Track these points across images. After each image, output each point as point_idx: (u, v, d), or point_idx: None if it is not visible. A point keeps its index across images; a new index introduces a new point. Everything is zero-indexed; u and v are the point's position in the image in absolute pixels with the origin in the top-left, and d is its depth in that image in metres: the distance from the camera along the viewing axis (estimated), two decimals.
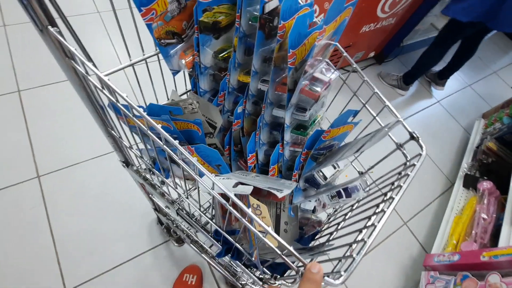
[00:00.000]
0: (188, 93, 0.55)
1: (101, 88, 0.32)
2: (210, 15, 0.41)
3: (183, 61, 0.45)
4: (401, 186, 0.34)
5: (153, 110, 0.46)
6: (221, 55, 0.45)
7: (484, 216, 1.32)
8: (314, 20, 0.42)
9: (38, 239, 1.06)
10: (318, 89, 0.41)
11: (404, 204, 1.54)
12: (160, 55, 0.45)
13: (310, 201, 0.44)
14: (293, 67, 0.39)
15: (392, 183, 0.38)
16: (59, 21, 0.30)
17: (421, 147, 0.38)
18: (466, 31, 1.53)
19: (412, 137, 0.39)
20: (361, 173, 0.52)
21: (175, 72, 0.49)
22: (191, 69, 0.47)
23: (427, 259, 1.26)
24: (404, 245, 1.43)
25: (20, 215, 1.09)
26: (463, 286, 1.05)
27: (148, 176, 0.54)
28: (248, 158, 0.50)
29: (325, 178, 0.45)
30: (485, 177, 1.53)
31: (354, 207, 0.47)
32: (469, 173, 1.59)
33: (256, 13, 0.42)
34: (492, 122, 1.82)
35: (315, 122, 0.48)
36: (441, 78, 2.10)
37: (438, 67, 1.98)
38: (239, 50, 0.45)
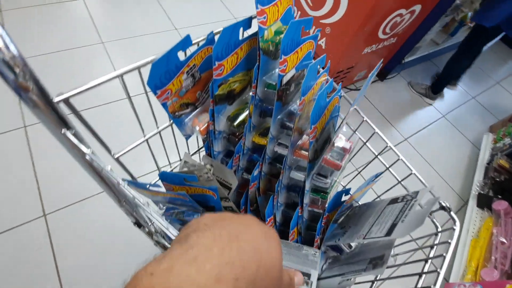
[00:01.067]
0: (201, 154, 0.54)
1: (117, 184, 0.30)
2: (225, 86, 0.40)
3: (197, 129, 0.44)
4: (438, 273, 0.31)
5: (167, 178, 0.45)
6: (236, 122, 0.44)
7: (503, 239, 1.27)
8: (333, 86, 0.41)
9: (44, 281, 1.03)
10: (340, 159, 0.39)
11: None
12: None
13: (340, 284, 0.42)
14: (314, 140, 0.38)
15: (425, 260, 0.35)
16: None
17: (454, 220, 0.36)
18: (491, 35, 1.69)
19: (443, 208, 0.37)
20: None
21: (188, 136, 0.47)
22: (205, 135, 0.45)
23: None
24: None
25: (26, 257, 1.06)
26: None
27: (161, 240, 0.52)
28: (266, 222, 0.48)
29: (350, 246, 0.43)
30: (499, 196, 1.48)
31: (378, 278, 0.45)
32: (482, 192, 1.55)
33: (270, 82, 0.41)
34: (501, 137, 1.79)
35: (335, 184, 0.46)
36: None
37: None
38: (254, 115, 0.44)
